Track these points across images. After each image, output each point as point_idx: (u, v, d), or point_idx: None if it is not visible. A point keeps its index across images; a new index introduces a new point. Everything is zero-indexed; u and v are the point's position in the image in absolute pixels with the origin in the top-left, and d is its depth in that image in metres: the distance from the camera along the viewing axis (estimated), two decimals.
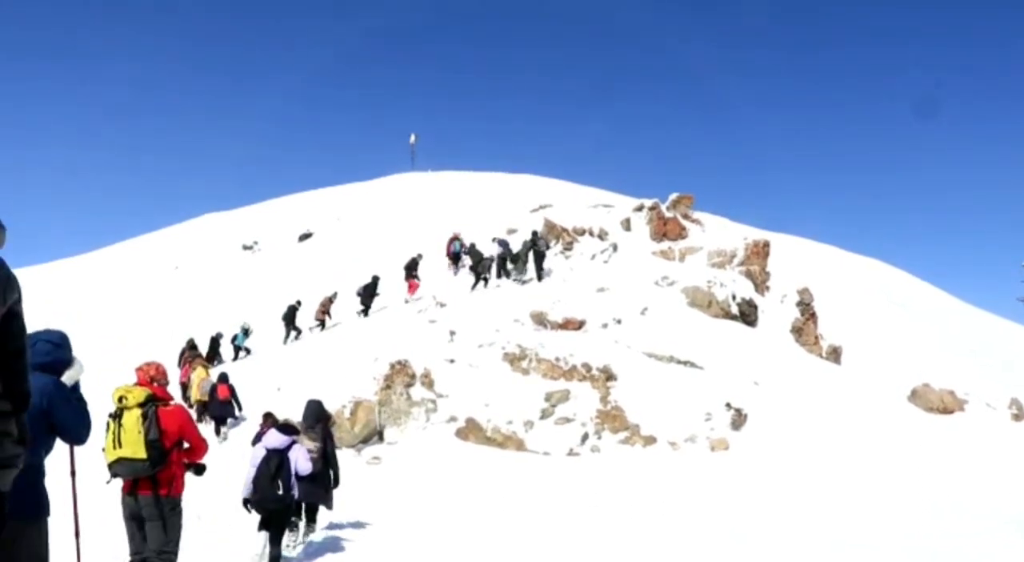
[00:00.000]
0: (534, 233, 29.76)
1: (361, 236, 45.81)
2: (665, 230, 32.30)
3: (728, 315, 26.18)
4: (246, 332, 29.10)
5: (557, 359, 20.72)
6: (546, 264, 28.84)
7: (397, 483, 14.71)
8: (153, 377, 6.69)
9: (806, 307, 28.42)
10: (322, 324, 29.37)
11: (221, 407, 19.64)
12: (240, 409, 20.03)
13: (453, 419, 18.51)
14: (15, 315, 3.04)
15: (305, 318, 29.73)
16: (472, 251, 29.88)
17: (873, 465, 16.24)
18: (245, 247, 51.06)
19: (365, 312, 29.09)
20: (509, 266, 28.95)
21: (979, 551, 9.65)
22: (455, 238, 32.31)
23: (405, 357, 20.08)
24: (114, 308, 41.09)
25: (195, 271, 47.36)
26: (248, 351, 29.01)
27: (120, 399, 6.41)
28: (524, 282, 28.26)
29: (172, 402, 6.72)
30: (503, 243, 30.35)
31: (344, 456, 16.15)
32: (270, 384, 21.38)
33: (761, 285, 29.03)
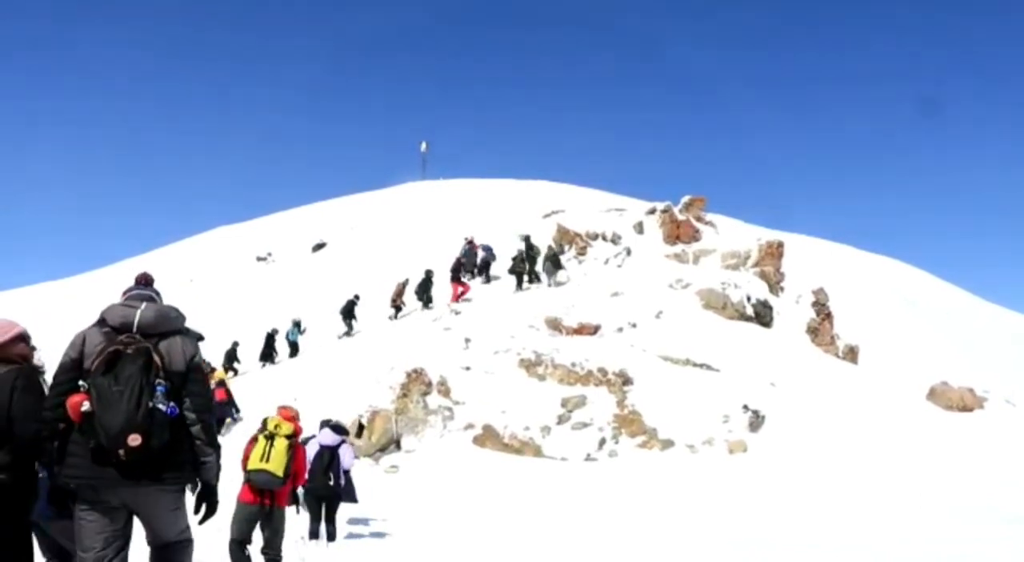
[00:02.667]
0: (526, 239, 30.03)
1: (375, 245, 45.89)
2: (678, 233, 32.21)
3: (743, 317, 26.08)
4: (298, 326, 29.45)
5: (573, 364, 20.70)
6: (539, 267, 29.12)
7: (415, 491, 14.72)
8: (294, 416, 8.69)
9: (821, 307, 28.27)
10: (398, 310, 29.50)
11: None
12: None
13: (470, 426, 18.51)
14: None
15: (365, 312, 29.90)
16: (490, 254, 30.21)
17: (893, 465, 16.13)
18: (259, 258, 51.20)
19: (426, 304, 29.10)
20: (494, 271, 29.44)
21: (1003, 556, 9.56)
22: (470, 243, 32.31)
23: (421, 365, 20.10)
24: None
25: (210, 283, 47.54)
26: (296, 348, 29.22)
27: (275, 427, 8.35)
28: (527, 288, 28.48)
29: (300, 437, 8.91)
30: (487, 249, 30.65)
31: (362, 465, 16.20)
32: (287, 393, 21.43)
33: (775, 286, 28.91)
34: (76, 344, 4.36)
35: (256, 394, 20.50)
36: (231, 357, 28.87)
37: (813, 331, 27.44)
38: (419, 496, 14.31)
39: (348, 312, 29.60)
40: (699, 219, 33.36)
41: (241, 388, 23.94)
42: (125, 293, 4.78)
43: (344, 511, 11.72)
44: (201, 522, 4.48)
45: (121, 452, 4.08)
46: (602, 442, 18.33)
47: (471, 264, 30.98)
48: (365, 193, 64.60)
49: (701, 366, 21.61)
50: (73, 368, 4.28)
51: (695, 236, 32.17)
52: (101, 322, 4.45)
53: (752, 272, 28.92)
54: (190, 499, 4.57)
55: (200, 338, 4.76)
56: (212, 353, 28.17)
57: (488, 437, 18.14)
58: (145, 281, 4.88)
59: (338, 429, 11.03)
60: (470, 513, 12.92)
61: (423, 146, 66.61)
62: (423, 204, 54.10)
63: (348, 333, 29.38)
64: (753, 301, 26.71)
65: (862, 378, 23.65)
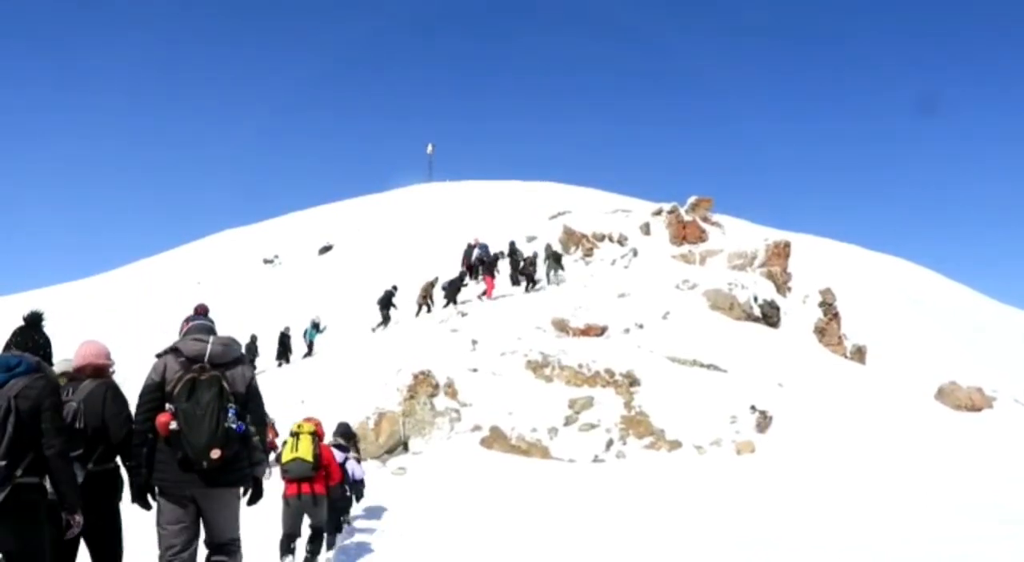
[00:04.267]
0: (511, 243, 30.19)
1: (381, 247, 45.96)
2: (685, 233, 32.21)
3: (750, 317, 26.05)
4: (316, 326, 29.48)
5: (580, 366, 20.69)
6: (540, 273, 29.48)
7: (423, 493, 14.73)
8: (317, 423, 9.81)
9: (829, 307, 28.23)
10: (427, 308, 29.52)
11: None
12: None
13: (477, 428, 18.52)
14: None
15: (402, 303, 29.99)
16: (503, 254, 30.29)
17: (901, 465, 16.09)
18: (266, 261, 51.35)
19: (453, 301, 29.08)
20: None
21: (1005, 556, 9.53)
22: (475, 245, 32.34)
23: (428, 367, 20.11)
24: (139, 325, 41.40)
25: (217, 286, 47.66)
26: (311, 349, 29.30)
27: (298, 427, 9.56)
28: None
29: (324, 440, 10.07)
30: (483, 248, 30.72)
31: (369, 467, 16.23)
32: (294, 396, 21.47)
33: (783, 286, 28.87)
34: (159, 370, 5.49)
35: (265, 396, 20.46)
36: (284, 342, 29.08)
37: (820, 331, 27.41)
38: (426, 498, 14.32)
39: (386, 303, 29.58)
40: (705, 220, 33.36)
41: None
42: (187, 321, 5.96)
43: (350, 512, 11.99)
44: (249, 503, 5.64)
45: (204, 463, 5.22)
46: (609, 443, 18.32)
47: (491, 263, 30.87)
48: (371, 195, 64.75)
49: (708, 367, 21.59)
50: (156, 389, 5.42)
51: (702, 237, 32.17)
52: (176, 352, 5.53)
53: (759, 272, 28.89)
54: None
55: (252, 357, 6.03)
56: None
57: (495, 439, 18.14)
58: (203, 312, 6.16)
59: (346, 436, 12.37)
60: (478, 515, 12.93)
61: (429, 148, 66.84)
62: (429, 206, 54.17)
63: (384, 324, 29.34)
64: (760, 301, 26.67)
65: (870, 378, 23.60)
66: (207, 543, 5.56)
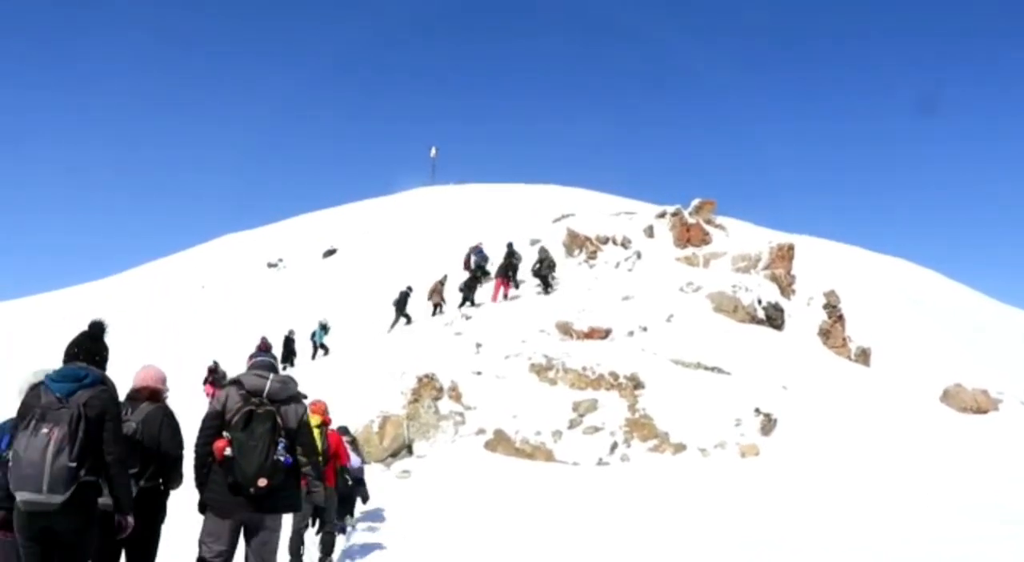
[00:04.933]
0: (509, 246, 30.23)
1: (386, 251, 46.00)
2: (688, 236, 32.15)
3: (754, 320, 26.02)
4: (324, 328, 29.43)
5: (584, 368, 20.68)
6: (519, 275, 29.64)
7: (427, 496, 14.73)
8: (323, 410, 10.06)
9: (833, 309, 28.17)
10: (438, 308, 29.49)
11: None
12: None
13: (481, 431, 18.52)
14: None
15: (417, 304, 29.98)
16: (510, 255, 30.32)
17: (906, 467, 16.05)
18: (270, 265, 51.38)
19: (470, 302, 29.14)
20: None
21: (1007, 556, 9.50)
22: (478, 248, 32.33)
23: (432, 370, 20.12)
24: (142, 328, 41.47)
25: (221, 290, 47.71)
26: (327, 349, 29.27)
27: None
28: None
29: (332, 426, 10.31)
30: (479, 252, 30.74)
31: (373, 470, 16.24)
32: None
33: (787, 288, 28.82)
34: (221, 400, 6.09)
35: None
36: (289, 345, 29.09)
37: (825, 333, 27.35)
38: (431, 501, 14.32)
39: (401, 304, 29.56)
40: (709, 222, 33.31)
41: None
42: (251, 358, 6.59)
43: (354, 515, 12.02)
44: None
45: (252, 489, 5.78)
46: (614, 446, 18.30)
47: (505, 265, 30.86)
48: (375, 199, 64.78)
49: (712, 369, 21.56)
50: (217, 417, 6.02)
51: (705, 239, 32.12)
52: (239, 384, 6.14)
53: (763, 275, 28.85)
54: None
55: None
56: (230, 360, 28.29)
57: (499, 442, 18.14)
58: (265, 348, 7.21)
59: (342, 432, 12.25)
60: (482, 518, 12.92)
61: (432, 151, 66.83)
62: (433, 209, 54.21)
63: (404, 323, 29.32)
64: (764, 304, 26.64)
65: (875, 380, 23.56)
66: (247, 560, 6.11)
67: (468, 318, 26.69)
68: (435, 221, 49.81)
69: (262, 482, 5.75)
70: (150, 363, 6.55)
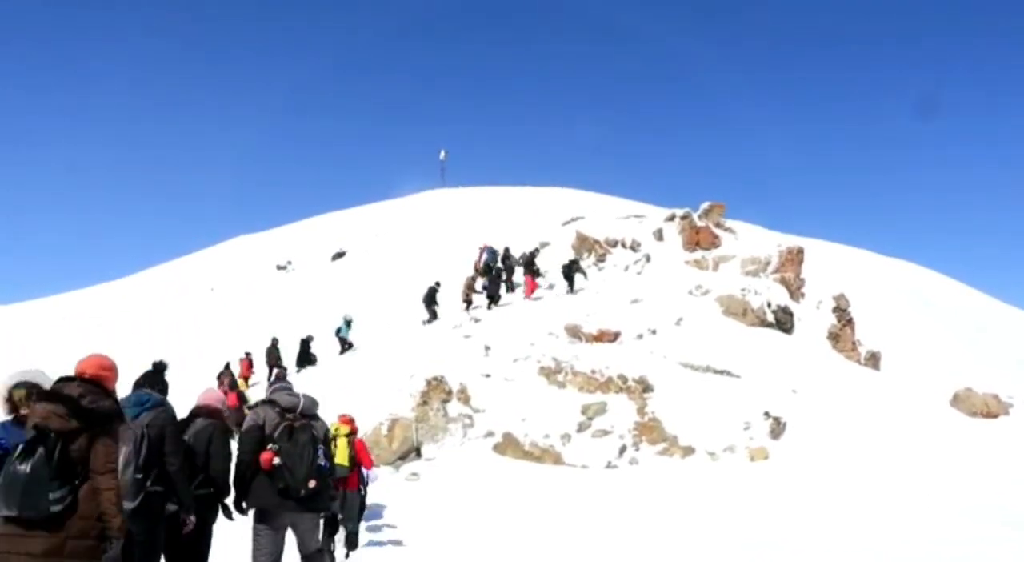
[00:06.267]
0: (505, 249, 30.28)
1: (395, 254, 46.04)
2: (697, 239, 32.12)
3: (763, 323, 25.98)
4: (349, 324, 29.53)
5: (593, 371, 20.67)
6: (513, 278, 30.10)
7: (436, 499, 14.75)
8: (351, 421, 10.89)
9: (842, 313, 28.12)
10: (468, 304, 29.54)
11: (234, 413, 20.49)
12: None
13: (490, 434, 18.53)
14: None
15: (446, 300, 30.03)
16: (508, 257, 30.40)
17: (915, 472, 16.01)
18: (279, 267, 51.45)
19: (495, 299, 29.24)
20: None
21: (1009, 558, 9.47)
22: (488, 248, 32.34)
23: (441, 373, 20.13)
24: (153, 330, 41.62)
25: (231, 292, 47.80)
26: (351, 344, 29.33)
27: (335, 429, 10.33)
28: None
29: (358, 434, 11.13)
30: (491, 252, 30.90)
31: (382, 473, 16.24)
32: None
33: (796, 292, 28.77)
34: (259, 416, 6.90)
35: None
36: (305, 348, 29.16)
37: (834, 337, 27.30)
38: (439, 503, 14.34)
39: (430, 299, 29.60)
40: (718, 225, 33.27)
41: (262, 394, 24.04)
42: (271, 384, 8.16)
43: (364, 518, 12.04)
44: (332, 533, 7.78)
45: (302, 491, 6.58)
46: (622, 449, 18.30)
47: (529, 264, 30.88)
48: (384, 202, 64.85)
49: (722, 373, 21.53)
50: (258, 430, 6.80)
51: (714, 242, 32.08)
52: (272, 403, 6.97)
53: (772, 278, 28.81)
54: None
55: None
56: (233, 358, 28.37)
57: (508, 445, 18.15)
58: (283, 377, 9.70)
59: None
60: (490, 521, 12.93)
61: (442, 154, 66.77)
62: (442, 212, 54.24)
63: (430, 320, 29.40)
64: (773, 307, 26.60)
65: (884, 384, 23.50)
66: (300, 553, 6.99)
67: (477, 321, 26.72)
68: (445, 224, 49.84)
69: (312, 484, 6.59)
70: (211, 387, 7.87)
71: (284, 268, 51.23)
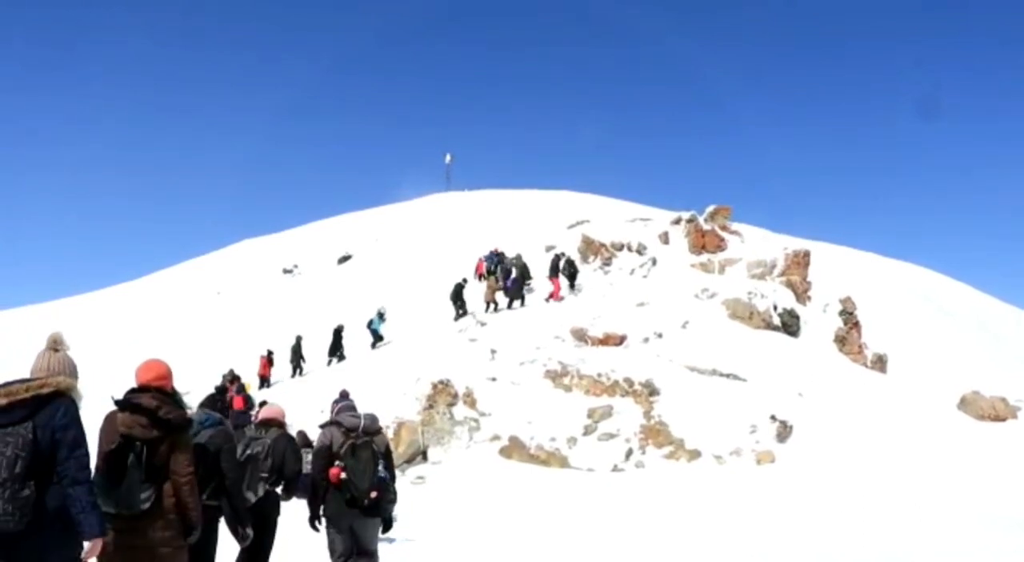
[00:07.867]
0: (500, 253, 30.44)
1: (401, 257, 46.06)
2: (703, 242, 32.11)
3: (770, 326, 25.94)
4: (382, 316, 29.68)
5: (599, 375, 20.67)
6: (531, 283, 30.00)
7: (442, 502, 14.73)
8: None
9: (849, 316, 28.05)
10: (493, 305, 29.59)
11: (239, 415, 20.57)
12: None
13: (496, 437, 18.52)
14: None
15: (471, 297, 30.10)
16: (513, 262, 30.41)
17: (922, 476, 15.95)
18: (285, 271, 51.51)
19: (520, 298, 29.34)
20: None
21: None
22: (495, 253, 32.31)
23: (447, 376, 20.14)
24: (159, 335, 41.71)
25: (237, 296, 47.90)
26: (381, 338, 29.43)
27: None
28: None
29: None
30: (491, 257, 31.03)
31: None
32: (314, 406, 21.55)
33: (802, 295, 28.73)
34: (327, 436, 7.64)
35: (284, 404, 20.50)
36: (337, 339, 29.29)
37: (841, 340, 27.24)
38: (445, 507, 14.32)
39: (457, 295, 29.66)
40: (724, 228, 33.25)
41: (270, 396, 24.07)
42: (336, 403, 10.00)
43: None
44: (383, 532, 8.03)
45: (366, 501, 7.44)
46: (629, 453, 18.28)
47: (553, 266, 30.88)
48: (390, 205, 64.89)
49: (728, 376, 21.51)
50: (327, 450, 7.55)
51: (720, 245, 32.07)
52: (338, 424, 7.70)
53: (778, 281, 28.78)
54: None
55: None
56: (244, 367, 28.40)
57: (514, 448, 18.13)
58: (346, 395, 11.84)
59: None
60: (496, 524, 12.91)
61: (447, 157, 66.77)
62: (448, 215, 54.24)
63: (458, 317, 29.46)
64: (780, 310, 26.57)
65: (891, 387, 23.44)
66: (358, 551, 7.73)
67: (483, 324, 26.72)
68: (450, 227, 49.84)
69: (374, 494, 7.45)
70: (275, 402, 9.12)
71: (290, 272, 51.30)
